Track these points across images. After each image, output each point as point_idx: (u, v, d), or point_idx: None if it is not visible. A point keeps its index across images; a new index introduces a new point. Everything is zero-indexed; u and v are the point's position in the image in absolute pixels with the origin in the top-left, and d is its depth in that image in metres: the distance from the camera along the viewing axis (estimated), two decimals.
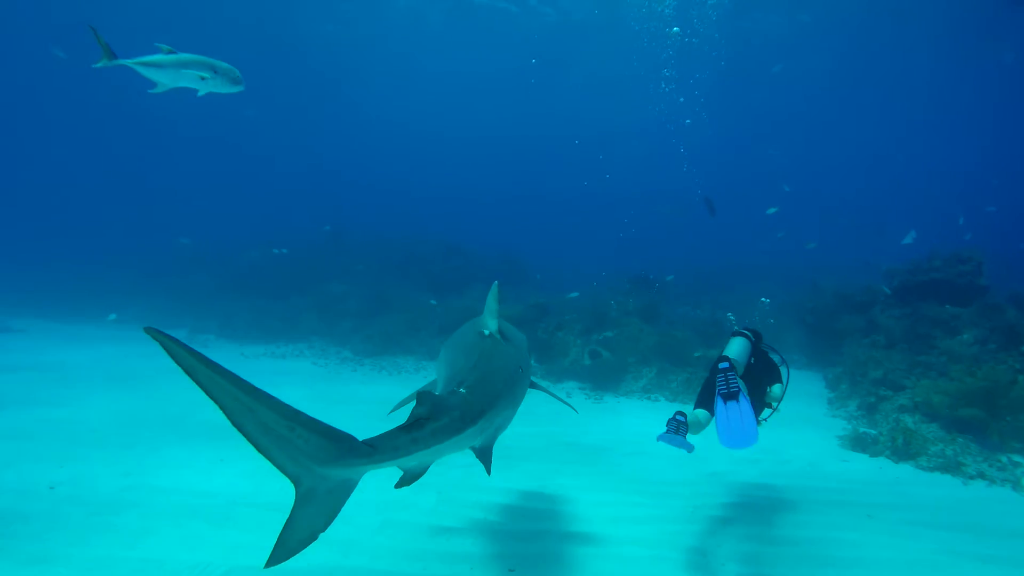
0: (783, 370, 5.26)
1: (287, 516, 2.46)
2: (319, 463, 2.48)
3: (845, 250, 24.45)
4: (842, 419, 9.14)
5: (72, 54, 31.36)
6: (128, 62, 4.97)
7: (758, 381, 5.03)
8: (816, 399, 10.35)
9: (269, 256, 19.20)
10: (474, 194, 48.07)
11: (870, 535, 4.95)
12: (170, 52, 4.98)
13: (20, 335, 14.21)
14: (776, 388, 5.10)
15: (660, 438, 4.41)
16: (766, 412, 5.16)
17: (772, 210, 19.23)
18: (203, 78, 5.01)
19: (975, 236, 19.31)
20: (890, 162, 42.38)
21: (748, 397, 4.52)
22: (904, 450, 6.94)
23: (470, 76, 33.12)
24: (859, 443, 7.48)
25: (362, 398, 9.57)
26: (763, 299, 12.54)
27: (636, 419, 8.90)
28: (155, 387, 9.28)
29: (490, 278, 4.48)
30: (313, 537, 2.59)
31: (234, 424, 2.37)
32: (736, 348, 4.99)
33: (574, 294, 14.65)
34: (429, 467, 3.02)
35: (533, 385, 4.61)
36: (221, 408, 2.34)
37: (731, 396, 4.45)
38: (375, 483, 5.52)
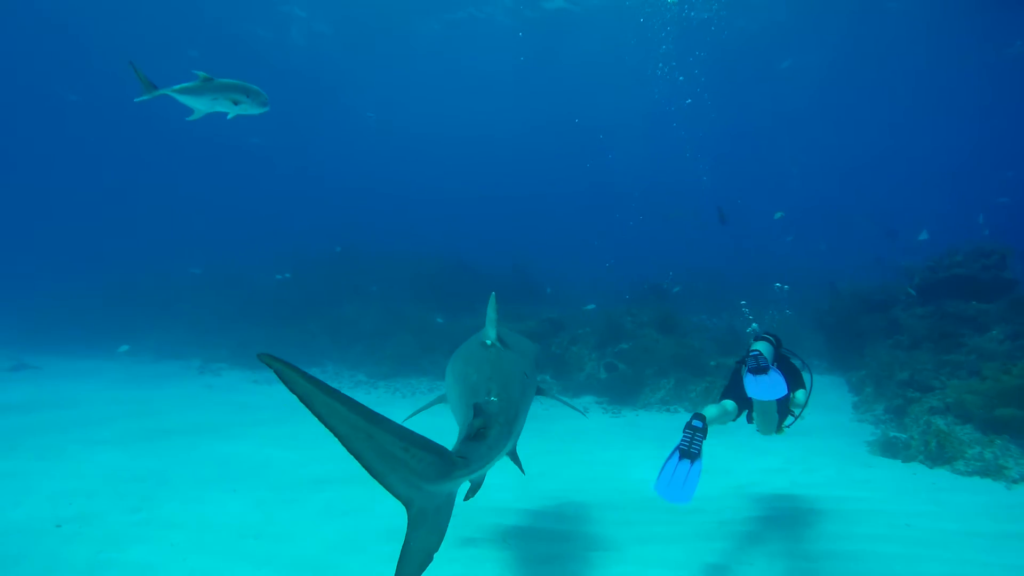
0: (805, 375, 5.08)
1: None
2: (429, 481, 2.50)
3: (857, 251, 24.10)
4: (869, 424, 8.84)
5: (83, 96, 32.09)
6: (167, 91, 5.04)
7: None
8: (840, 404, 10.05)
9: (277, 281, 19.21)
10: (482, 205, 48.19)
11: (912, 547, 4.66)
12: (207, 79, 5.03)
13: (35, 372, 14.25)
14: (799, 394, 4.94)
15: (658, 488, 4.13)
16: (789, 420, 4.98)
17: (779, 215, 19.05)
18: (236, 102, 5.09)
19: (989, 228, 18.95)
20: (897, 159, 41.92)
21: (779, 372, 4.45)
22: (939, 454, 6.63)
23: (473, 82, 33.19)
24: (890, 448, 7.19)
25: None
26: (777, 284, 12.28)
27: (656, 432, 8.65)
28: (166, 417, 9.19)
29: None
30: (429, 559, 2.59)
31: (349, 450, 2.33)
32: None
33: (591, 306, 14.48)
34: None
35: (540, 392, 4.56)
36: (336, 435, 2.28)
37: (760, 370, 4.40)
38: (383, 509, 5.37)
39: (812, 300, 14.59)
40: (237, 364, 15.02)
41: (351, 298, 17.83)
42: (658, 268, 19.08)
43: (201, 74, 5.07)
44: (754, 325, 7.84)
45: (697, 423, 4.33)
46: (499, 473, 5.71)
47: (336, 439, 2.27)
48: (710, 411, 4.55)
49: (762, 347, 4.87)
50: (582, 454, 7.49)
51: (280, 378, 2.08)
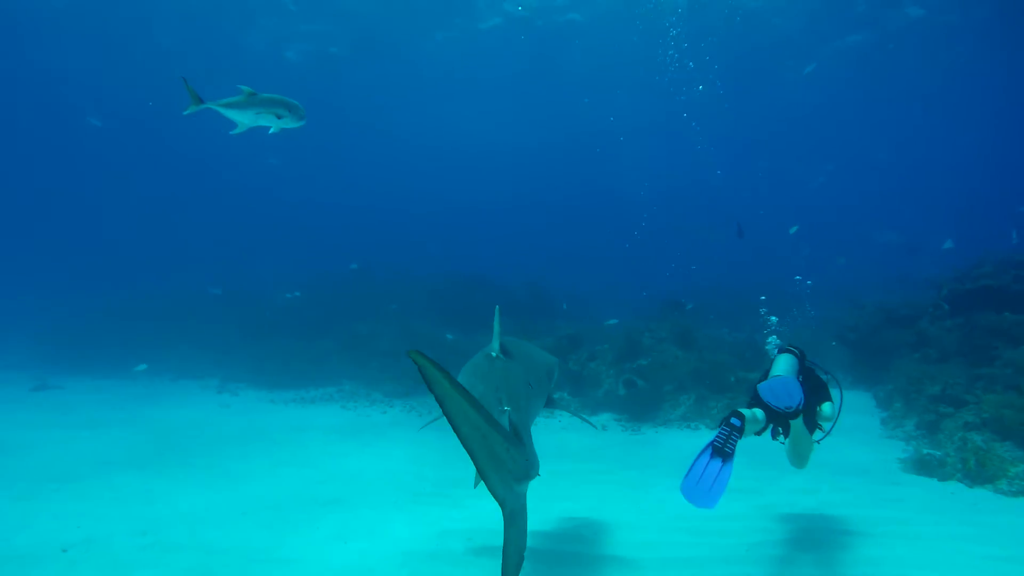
0: (834, 388, 4.89)
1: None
2: (518, 481, 2.73)
3: (879, 265, 23.65)
4: (900, 440, 8.50)
5: (107, 119, 32.84)
6: (212, 105, 5.13)
7: (808, 400, 4.66)
8: (868, 419, 9.71)
9: (297, 299, 19.27)
10: (498, 221, 48.25)
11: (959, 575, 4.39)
12: (251, 94, 5.10)
13: (57, 391, 14.36)
14: (827, 407, 4.75)
15: (684, 487, 3.90)
16: (818, 434, 4.78)
17: (794, 229, 18.83)
18: (279, 116, 5.18)
19: (1011, 237, 18.41)
20: (917, 168, 41.29)
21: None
22: (978, 473, 6.31)
23: (489, 97, 33.40)
24: (924, 466, 6.87)
25: (394, 440, 9.27)
26: (797, 276, 11.97)
27: (677, 450, 8.39)
28: (179, 437, 9.13)
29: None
30: (522, 559, 2.75)
31: (466, 448, 2.56)
32: (784, 366, 4.65)
33: (613, 321, 14.29)
34: None
35: (551, 403, 4.57)
36: (458, 434, 2.52)
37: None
38: (396, 533, 5.21)
39: (834, 314, 14.23)
40: (255, 384, 14.99)
41: (368, 316, 17.79)
42: (677, 282, 18.85)
43: (246, 88, 5.14)
44: (772, 339, 7.61)
45: (735, 421, 4.16)
46: None
47: (457, 439, 2.51)
48: (743, 413, 4.37)
49: (786, 360, 4.72)
50: (600, 473, 7.26)
51: (423, 374, 2.29)
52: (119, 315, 20.46)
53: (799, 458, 4.86)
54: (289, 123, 5.26)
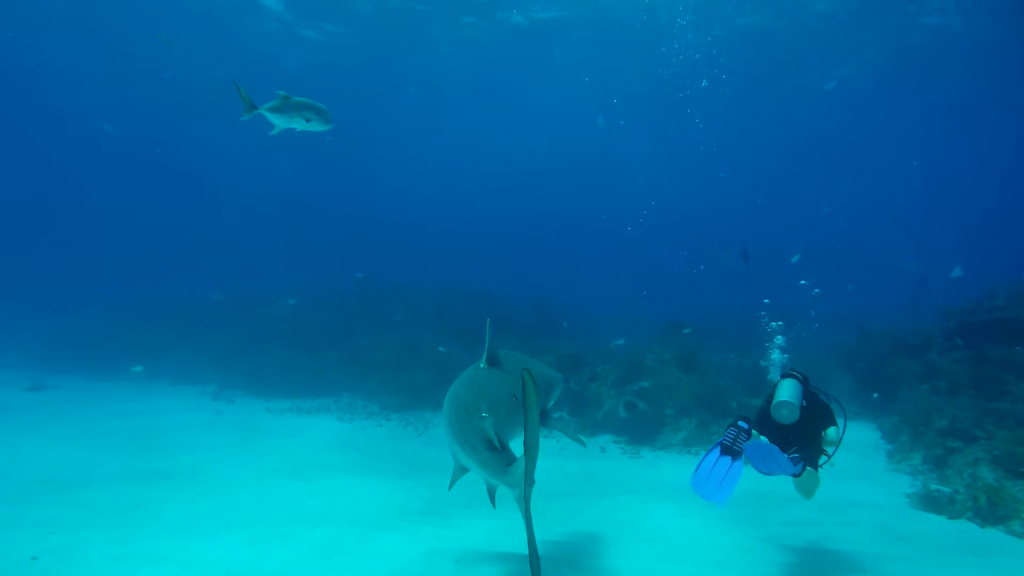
0: (836, 411, 4.81)
1: None
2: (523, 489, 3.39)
3: (887, 292, 23.38)
4: (906, 474, 8.25)
5: (119, 127, 33.18)
6: (261, 110, 5.50)
7: (812, 425, 4.66)
8: (873, 451, 9.46)
9: (295, 307, 19.16)
10: (504, 239, 48.28)
11: None
12: (286, 97, 5.48)
13: (54, 391, 14.25)
14: (832, 431, 4.70)
15: (695, 483, 4.21)
16: (822, 459, 4.68)
17: (796, 258, 18.72)
18: (308, 120, 5.53)
19: (1014, 267, 18.17)
20: (925, 196, 41.11)
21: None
22: (990, 512, 6.06)
23: (501, 114, 33.54)
24: (932, 503, 6.64)
25: (388, 455, 9.07)
26: (803, 281, 11.77)
27: (677, 475, 8.17)
28: (169, 444, 8.97)
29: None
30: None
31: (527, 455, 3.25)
32: (789, 391, 4.53)
33: (619, 341, 14.13)
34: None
35: (546, 418, 4.61)
36: (526, 446, 3.16)
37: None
38: (382, 550, 5.02)
39: (840, 342, 13.99)
40: (252, 391, 14.84)
41: (371, 328, 17.66)
42: (682, 304, 18.68)
43: (282, 93, 5.47)
44: (775, 355, 7.48)
45: (742, 423, 4.29)
46: (508, 516, 5.34)
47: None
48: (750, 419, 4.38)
49: (789, 385, 4.63)
50: (598, 497, 7.06)
51: (524, 391, 2.89)
52: (120, 318, 20.43)
53: (806, 490, 4.72)
54: (316, 126, 5.57)
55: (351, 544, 5.26)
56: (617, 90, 27.93)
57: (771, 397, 4.73)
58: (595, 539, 5.62)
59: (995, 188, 38.20)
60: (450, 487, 4.45)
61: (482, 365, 4.16)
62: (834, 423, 4.73)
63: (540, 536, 5.54)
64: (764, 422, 4.72)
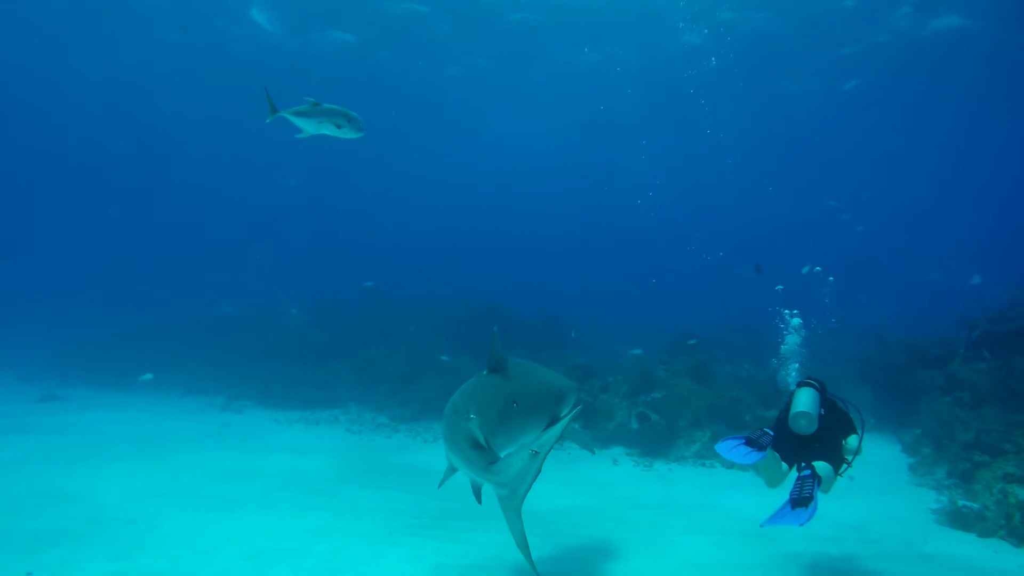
0: (855, 417, 4.70)
1: None
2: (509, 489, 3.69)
3: (903, 301, 22.98)
4: (930, 489, 7.97)
5: (129, 140, 33.61)
6: (284, 113, 5.49)
7: (832, 433, 4.54)
8: (894, 465, 9.17)
9: (299, 317, 19.13)
10: (514, 251, 48.24)
11: None
12: (315, 104, 5.45)
13: (65, 403, 14.28)
14: (852, 439, 4.58)
15: (720, 448, 4.50)
16: (843, 467, 4.55)
17: (806, 269, 18.49)
18: (339, 126, 5.47)
19: None
20: (939, 203, 40.49)
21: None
22: None
23: (502, 129, 33.59)
24: (960, 519, 6.37)
25: (395, 468, 8.92)
26: (816, 268, 11.51)
27: (691, 489, 7.94)
28: (174, 456, 8.87)
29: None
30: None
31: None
32: (806, 401, 4.38)
33: (637, 351, 13.95)
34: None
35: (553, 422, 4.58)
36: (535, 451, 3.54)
37: (801, 503, 4.17)
38: (388, 566, 4.85)
39: (856, 352, 13.68)
40: (260, 403, 14.77)
41: (381, 339, 17.57)
42: (695, 315, 18.46)
43: (310, 99, 5.44)
44: (791, 339, 7.29)
45: (768, 430, 4.53)
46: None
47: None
48: (764, 462, 4.37)
49: (807, 394, 4.52)
50: (611, 510, 6.85)
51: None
52: (132, 330, 20.50)
53: (768, 476, 4.65)
54: (348, 133, 5.52)
55: (354, 560, 5.11)
56: (635, 103, 27.92)
57: (788, 407, 4.57)
58: (607, 554, 5.42)
59: (1014, 194, 37.53)
60: (440, 485, 4.70)
61: (485, 372, 4.30)
62: (854, 431, 4.62)
63: (551, 551, 5.38)
64: (782, 432, 4.54)
